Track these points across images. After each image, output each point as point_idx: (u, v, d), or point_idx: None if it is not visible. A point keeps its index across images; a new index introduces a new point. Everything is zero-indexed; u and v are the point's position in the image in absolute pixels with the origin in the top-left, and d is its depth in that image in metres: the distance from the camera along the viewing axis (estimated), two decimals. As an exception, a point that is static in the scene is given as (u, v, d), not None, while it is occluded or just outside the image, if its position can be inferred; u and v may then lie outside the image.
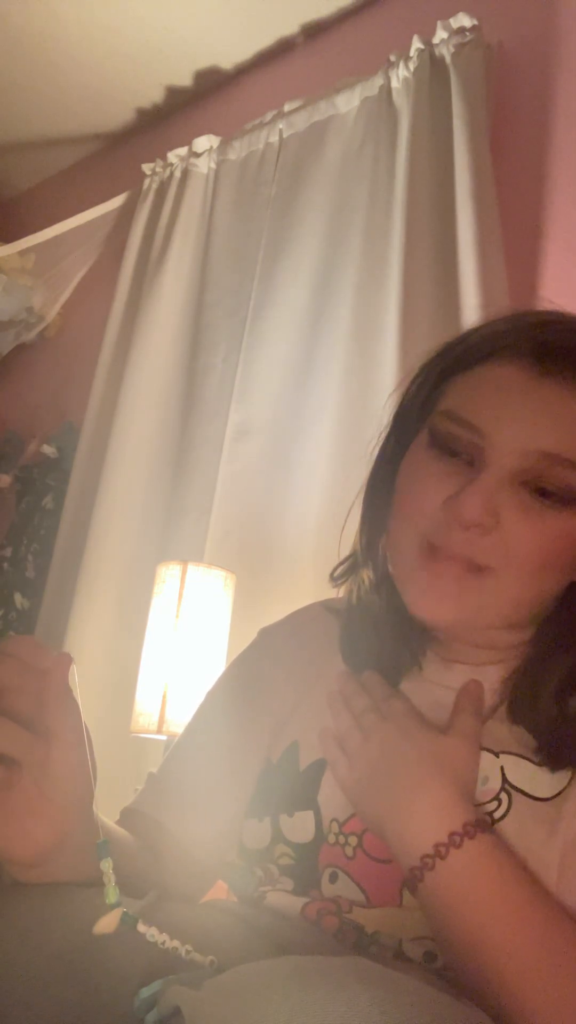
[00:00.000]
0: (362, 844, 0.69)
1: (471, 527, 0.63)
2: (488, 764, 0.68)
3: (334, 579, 0.81)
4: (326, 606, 0.85)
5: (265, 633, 0.87)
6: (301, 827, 0.71)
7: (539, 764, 0.67)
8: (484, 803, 0.66)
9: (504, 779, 0.67)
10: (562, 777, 0.66)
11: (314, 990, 0.44)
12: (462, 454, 0.66)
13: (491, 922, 0.59)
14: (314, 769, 0.73)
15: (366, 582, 0.76)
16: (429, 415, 0.70)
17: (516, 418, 0.64)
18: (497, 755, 0.68)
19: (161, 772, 0.82)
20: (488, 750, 0.68)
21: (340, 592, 0.82)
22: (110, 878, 0.57)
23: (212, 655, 1.48)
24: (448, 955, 0.63)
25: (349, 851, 0.69)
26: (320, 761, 0.73)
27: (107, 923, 0.54)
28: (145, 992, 0.50)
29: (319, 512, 1.58)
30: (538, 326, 0.68)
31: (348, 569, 0.79)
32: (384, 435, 0.76)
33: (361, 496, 0.77)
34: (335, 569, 0.81)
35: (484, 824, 0.63)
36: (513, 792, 0.66)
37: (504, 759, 0.68)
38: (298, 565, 1.58)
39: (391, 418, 0.76)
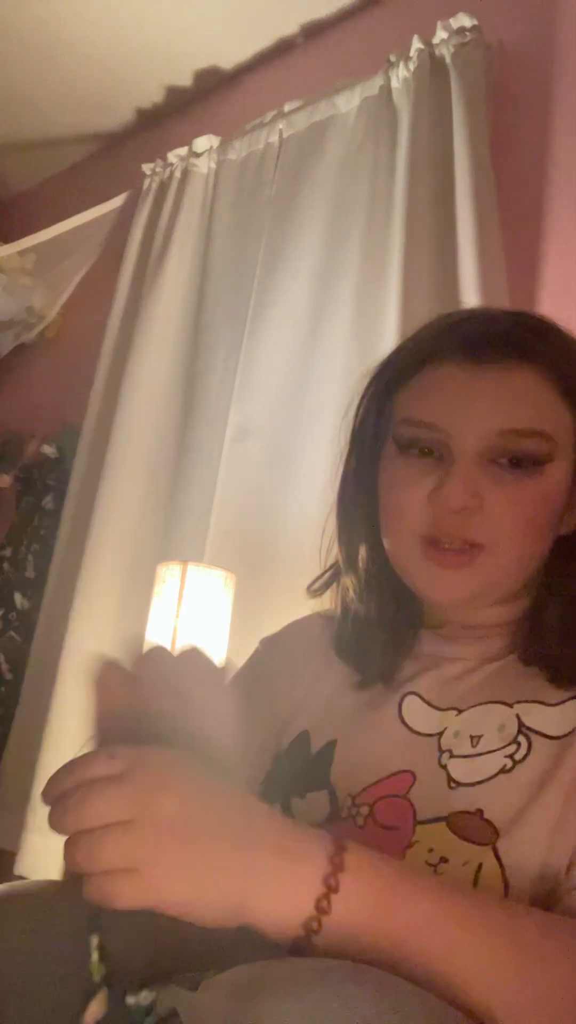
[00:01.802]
0: (373, 813, 0.70)
1: (460, 511, 0.69)
2: (502, 713, 0.71)
3: (311, 592, 0.87)
4: (321, 615, 0.89)
5: (266, 642, 0.91)
6: (314, 807, 0.73)
7: (552, 704, 0.70)
8: (503, 747, 0.69)
9: (520, 723, 0.70)
10: (572, 715, 0.69)
11: (312, 991, 0.44)
12: (431, 453, 0.72)
13: (399, 945, 0.52)
14: (326, 751, 0.76)
15: (351, 591, 0.81)
16: (386, 430, 0.76)
17: (466, 407, 0.71)
18: (511, 705, 0.71)
19: None
20: (502, 703, 0.72)
21: (328, 602, 0.87)
22: (95, 954, 0.52)
23: (212, 655, 1.47)
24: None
25: (360, 820, 0.71)
26: (331, 743, 0.76)
27: (95, 1011, 0.50)
28: (144, 997, 0.50)
29: (319, 512, 1.58)
30: (459, 324, 0.76)
31: (326, 583, 0.86)
32: (345, 456, 0.83)
33: (333, 514, 0.83)
34: (312, 583, 0.87)
35: (336, 860, 0.52)
36: (531, 734, 0.69)
37: (518, 707, 0.71)
38: (298, 565, 1.57)
39: (349, 440, 0.83)
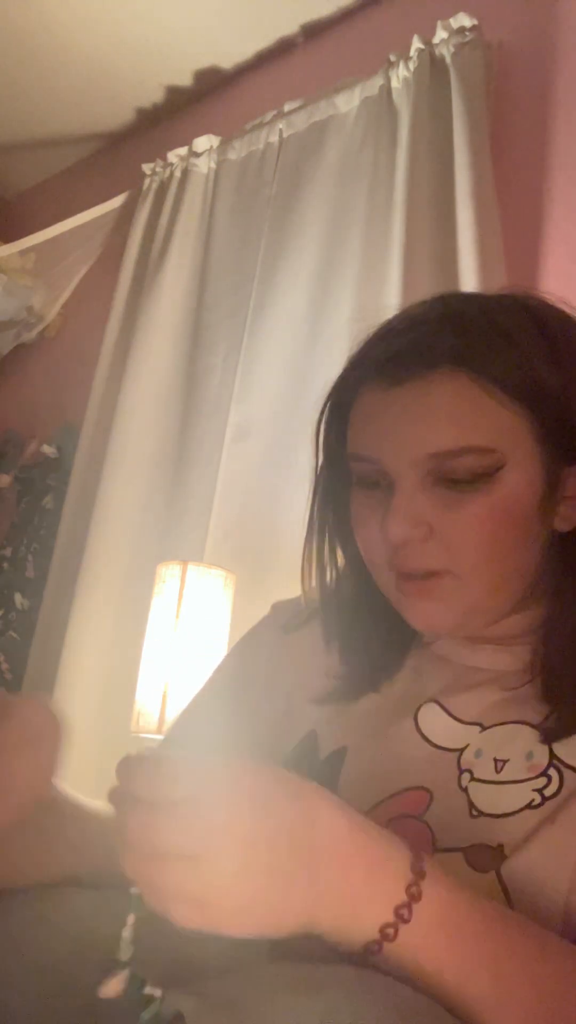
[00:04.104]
0: None
1: (405, 544, 0.66)
2: (530, 738, 0.65)
3: (286, 630, 0.82)
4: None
5: (278, 609, 0.88)
6: None
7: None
8: (532, 778, 0.63)
9: (552, 754, 0.64)
10: None
11: (321, 997, 0.44)
12: (379, 485, 0.69)
13: (461, 984, 0.51)
14: (335, 758, 0.72)
15: (341, 610, 0.78)
16: (345, 460, 0.72)
17: (391, 435, 0.66)
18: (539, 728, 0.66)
19: (164, 743, 0.81)
20: (529, 724, 0.66)
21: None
22: (129, 931, 0.52)
23: (212, 655, 1.48)
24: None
25: None
26: (340, 750, 0.72)
27: (114, 987, 0.50)
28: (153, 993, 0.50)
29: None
30: (379, 340, 0.71)
31: (304, 621, 0.82)
32: (313, 490, 0.79)
33: (306, 548, 0.80)
34: (289, 622, 0.83)
35: (412, 891, 0.51)
36: (563, 768, 0.63)
37: None
38: (298, 565, 1.57)
39: (316, 472, 0.78)
